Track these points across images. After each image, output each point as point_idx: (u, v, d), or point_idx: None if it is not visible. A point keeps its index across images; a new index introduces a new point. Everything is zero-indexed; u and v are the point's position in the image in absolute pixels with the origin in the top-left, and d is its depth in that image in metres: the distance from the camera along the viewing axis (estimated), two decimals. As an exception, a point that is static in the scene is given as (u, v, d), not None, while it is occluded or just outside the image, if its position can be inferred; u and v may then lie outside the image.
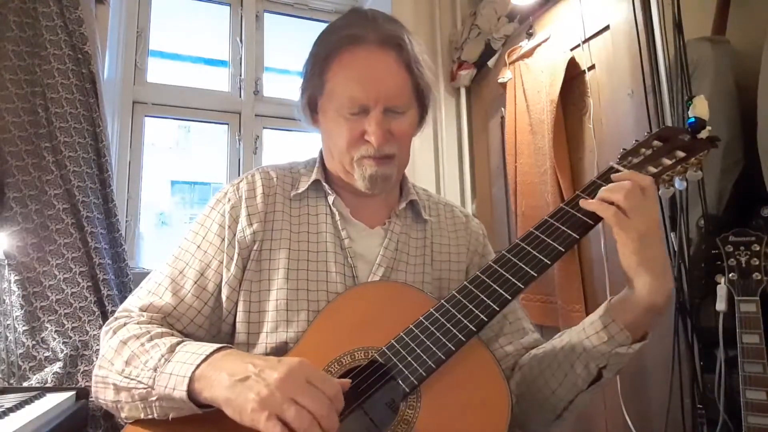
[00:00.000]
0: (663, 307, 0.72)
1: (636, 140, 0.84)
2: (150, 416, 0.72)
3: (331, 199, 0.91)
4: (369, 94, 0.81)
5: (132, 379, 0.72)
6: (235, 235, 0.86)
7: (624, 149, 0.84)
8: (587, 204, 0.75)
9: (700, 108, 0.84)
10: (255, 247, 0.86)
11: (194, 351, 0.70)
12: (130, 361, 0.73)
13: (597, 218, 0.74)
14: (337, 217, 0.90)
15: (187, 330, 0.83)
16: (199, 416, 0.69)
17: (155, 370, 0.70)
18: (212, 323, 0.85)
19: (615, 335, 0.74)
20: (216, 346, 0.71)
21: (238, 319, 0.85)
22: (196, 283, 0.84)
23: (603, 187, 0.75)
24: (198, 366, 0.67)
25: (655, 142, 0.82)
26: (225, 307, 0.84)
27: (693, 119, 0.83)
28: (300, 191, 0.91)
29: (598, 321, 0.76)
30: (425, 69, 0.86)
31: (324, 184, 0.92)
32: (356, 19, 0.85)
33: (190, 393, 0.67)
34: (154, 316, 0.82)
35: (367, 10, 0.88)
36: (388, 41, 0.83)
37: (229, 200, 0.89)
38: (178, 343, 0.73)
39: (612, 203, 0.72)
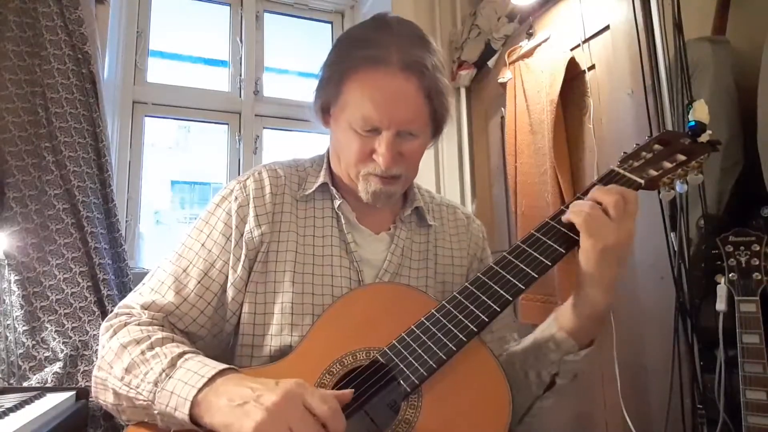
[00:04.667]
0: (602, 318, 0.76)
1: (636, 144, 0.84)
2: (153, 422, 0.72)
3: (337, 203, 0.90)
4: (383, 117, 0.80)
5: (132, 389, 0.72)
6: (242, 235, 0.85)
7: (625, 152, 0.84)
8: (565, 216, 0.75)
9: (700, 112, 0.85)
10: (262, 249, 0.85)
11: (196, 371, 0.69)
12: (130, 369, 0.73)
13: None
14: (343, 221, 0.90)
15: (189, 329, 0.83)
16: None
17: (156, 384, 0.70)
18: (214, 323, 0.84)
19: (561, 343, 0.77)
20: (217, 367, 0.70)
21: (242, 321, 0.84)
22: (199, 282, 0.83)
23: (594, 188, 0.76)
24: (200, 390, 0.67)
25: (656, 146, 0.82)
26: (229, 308, 0.84)
27: (693, 123, 0.83)
28: (307, 193, 0.91)
29: (547, 330, 0.80)
30: (445, 95, 0.84)
31: (331, 187, 0.91)
32: (380, 36, 0.81)
33: (191, 416, 0.67)
34: (156, 315, 0.81)
35: (393, 21, 0.85)
36: (411, 66, 0.79)
37: (236, 198, 0.88)
38: (179, 356, 0.72)
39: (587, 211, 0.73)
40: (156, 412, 0.70)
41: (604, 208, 0.72)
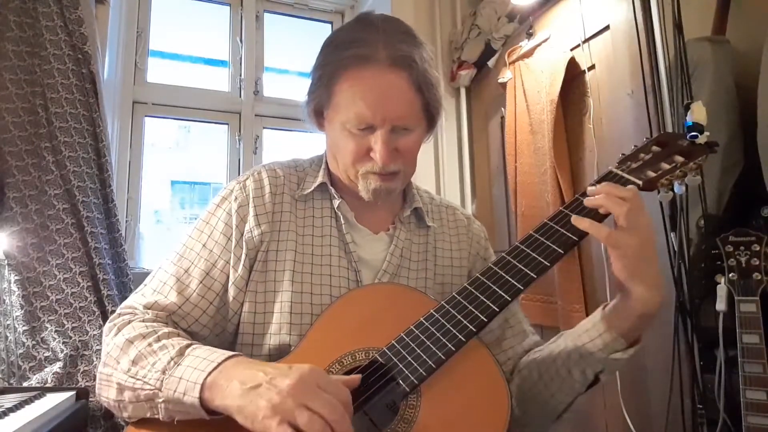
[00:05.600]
0: (655, 315, 0.74)
1: (635, 145, 0.84)
2: (155, 416, 0.71)
3: (336, 203, 0.90)
4: (376, 114, 0.80)
5: (138, 380, 0.72)
6: (242, 235, 0.86)
7: (623, 154, 0.84)
8: (579, 222, 0.74)
9: (697, 113, 0.85)
10: (262, 248, 0.85)
11: (205, 357, 0.70)
12: (137, 360, 0.73)
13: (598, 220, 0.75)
14: (342, 221, 0.90)
15: (192, 329, 0.83)
16: (204, 419, 0.69)
17: (164, 372, 0.70)
18: (216, 323, 0.85)
19: (610, 342, 0.75)
20: (226, 353, 0.70)
21: (242, 320, 0.85)
22: (201, 282, 0.83)
23: (595, 196, 0.75)
24: (209, 373, 0.67)
25: (654, 147, 0.82)
26: (231, 308, 0.84)
27: (691, 124, 0.83)
28: (306, 192, 0.91)
29: (593, 329, 0.78)
30: (436, 87, 0.84)
31: (330, 187, 0.92)
32: (366, 35, 0.81)
33: (201, 400, 0.67)
34: (159, 314, 0.81)
35: (378, 19, 0.85)
36: (399, 61, 0.80)
37: (236, 198, 0.88)
38: (187, 346, 0.73)
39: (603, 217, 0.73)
40: (161, 400, 0.69)
41: (615, 219, 0.72)
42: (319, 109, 0.88)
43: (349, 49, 0.81)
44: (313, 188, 0.91)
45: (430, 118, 0.88)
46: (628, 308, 0.74)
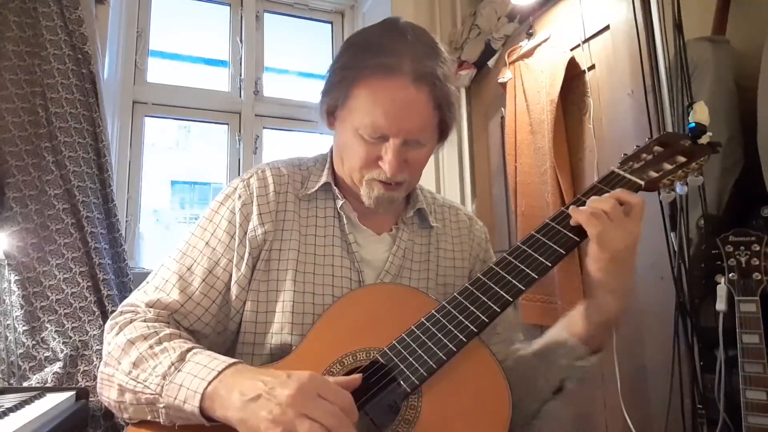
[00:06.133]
0: (614, 322, 0.76)
1: (637, 145, 0.84)
2: (156, 420, 0.71)
3: (339, 203, 0.90)
4: (392, 126, 0.79)
5: (139, 383, 0.71)
6: (246, 233, 0.85)
7: (625, 154, 0.84)
8: (576, 213, 0.75)
9: (700, 113, 0.85)
10: (265, 247, 0.85)
11: (205, 364, 0.70)
12: (138, 363, 0.73)
13: None
14: (345, 222, 0.90)
15: (194, 327, 0.83)
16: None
17: (164, 377, 0.70)
18: (219, 321, 0.85)
19: (572, 349, 0.77)
20: (227, 361, 0.70)
21: (244, 319, 0.85)
22: (204, 280, 0.83)
23: (594, 198, 0.76)
24: (210, 383, 0.67)
25: (656, 148, 0.83)
26: (233, 307, 0.84)
27: (693, 124, 0.83)
28: (309, 192, 0.91)
29: (557, 336, 0.80)
30: (454, 105, 0.84)
31: (334, 187, 0.91)
32: (394, 43, 0.80)
33: (201, 409, 0.66)
34: (161, 313, 0.81)
35: (407, 28, 0.83)
36: (423, 77, 0.79)
37: (240, 197, 0.88)
38: (188, 351, 0.73)
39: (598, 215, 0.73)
40: (162, 405, 0.69)
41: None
42: (332, 109, 0.87)
43: (375, 56, 0.80)
44: (317, 188, 0.91)
45: (441, 133, 0.88)
46: (589, 315, 0.76)
